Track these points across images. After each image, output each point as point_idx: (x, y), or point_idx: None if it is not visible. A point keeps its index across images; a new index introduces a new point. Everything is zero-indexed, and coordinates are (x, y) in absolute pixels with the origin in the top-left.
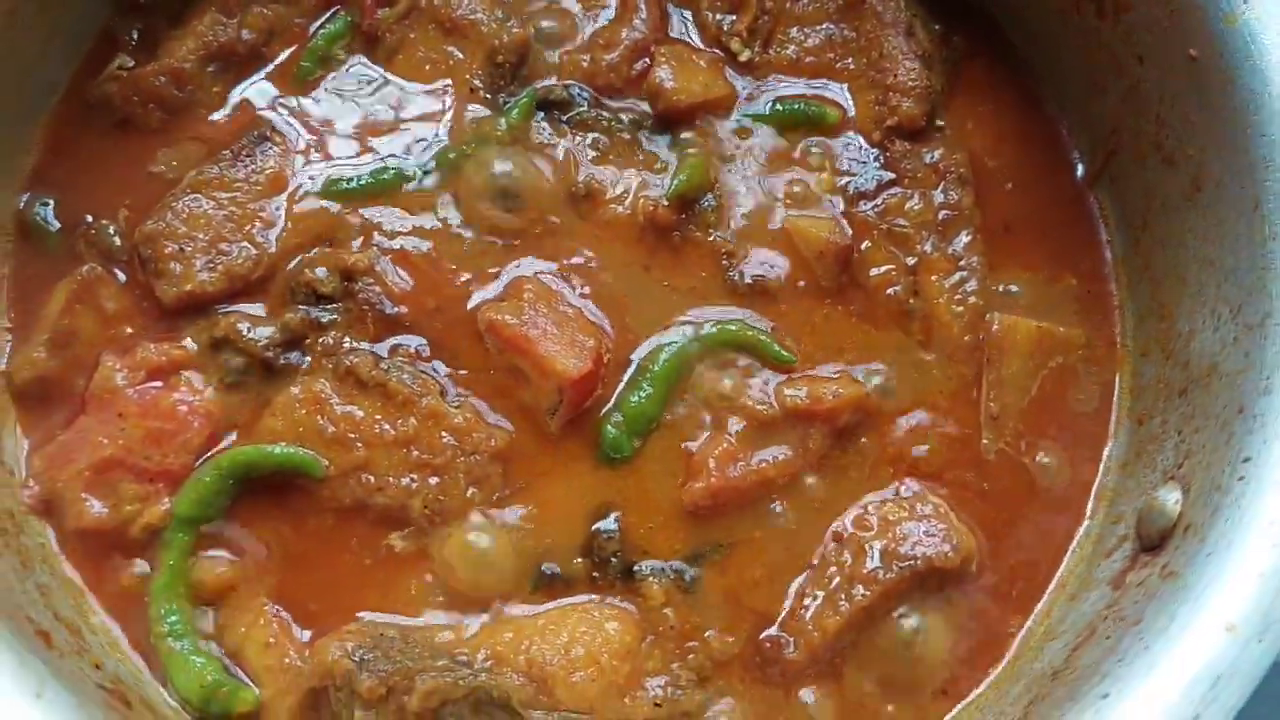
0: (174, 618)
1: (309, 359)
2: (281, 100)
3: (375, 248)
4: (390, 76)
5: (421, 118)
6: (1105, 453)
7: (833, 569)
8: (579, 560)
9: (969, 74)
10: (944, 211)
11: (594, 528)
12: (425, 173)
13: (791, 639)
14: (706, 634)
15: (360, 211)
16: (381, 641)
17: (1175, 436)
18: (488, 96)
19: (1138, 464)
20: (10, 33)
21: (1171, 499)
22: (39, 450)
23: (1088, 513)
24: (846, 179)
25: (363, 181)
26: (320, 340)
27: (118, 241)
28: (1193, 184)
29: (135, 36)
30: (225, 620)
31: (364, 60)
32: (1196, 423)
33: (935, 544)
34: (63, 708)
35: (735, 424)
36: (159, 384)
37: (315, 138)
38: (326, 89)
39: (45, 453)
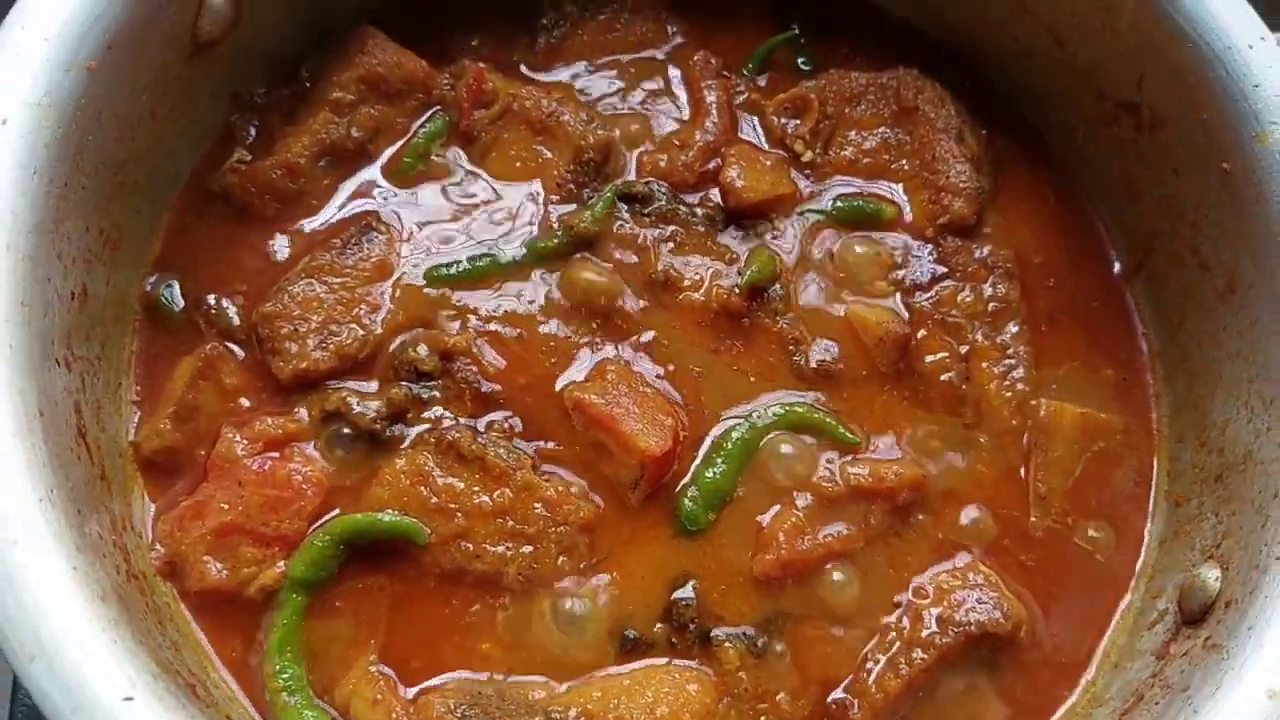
0: (288, 674)
1: (412, 432)
2: (386, 193)
3: (472, 330)
4: (484, 172)
5: (513, 210)
6: (1145, 531)
7: (893, 635)
8: (659, 626)
9: (1013, 176)
10: (993, 304)
11: (673, 596)
12: (517, 261)
13: (856, 700)
14: (778, 697)
15: (458, 296)
16: (480, 699)
17: (1212, 518)
18: (573, 190)
19: (1176, 542)
20: (150, 131)
21: (1212, 576)
22: (164, 515)
23: (1130, 587)
24: (902, 272)
25: (460, 269)
26: (422, 415)
27: (236, 321)
28: (1227, 286)
29: (253, 133)
30: (335, 677)
31: (461, 157)
32: (1233, 506)
33: (988, 611)
34: None
35: (802, 500)
36: (276, 454)
37: (417, 228)
38: (427, 183)
39: (170, 517)
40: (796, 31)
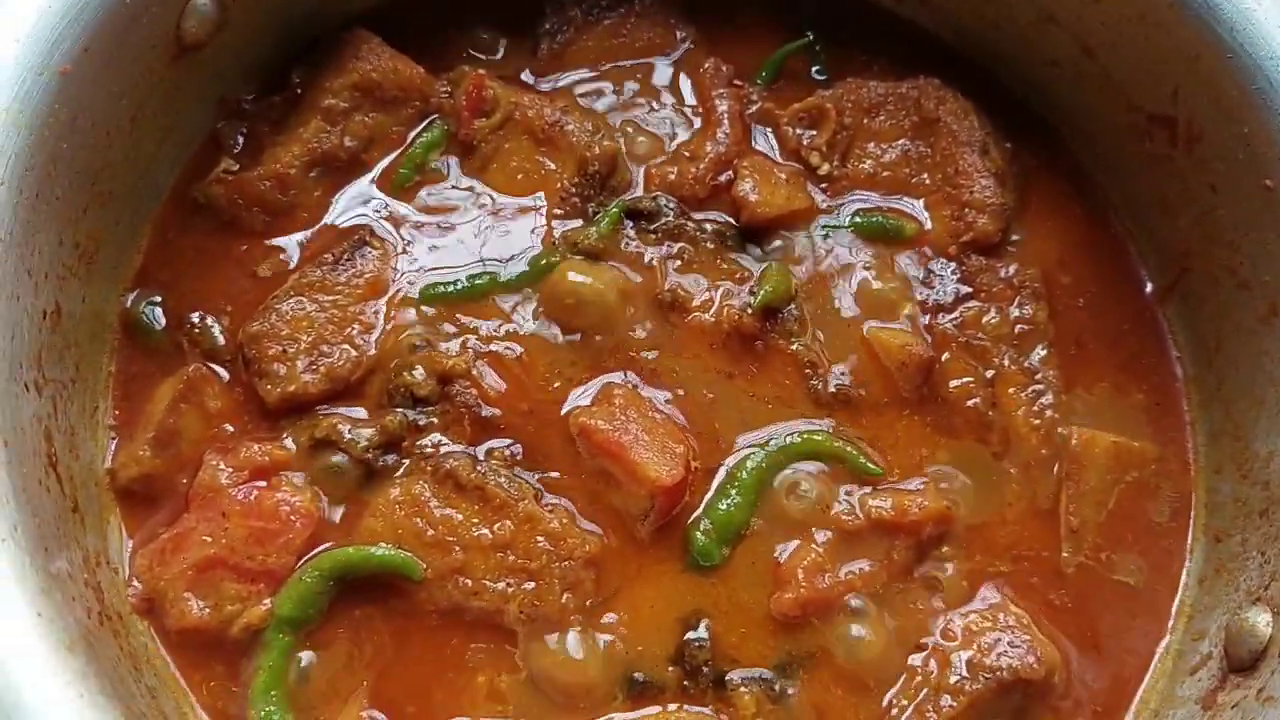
0: (275, 719)
1: (407, 461)
2: (381, 206)
3: (471, 351)
4: (484, 184)
5: (514, 225)
6: (1184, 569)
7: (919, 679)
8: (671, 668)
9: (1039, 191)
10: (1019, 325)
11: (686, 637)
12: (518, 279)
13: None
14: None
15: (457, 315)
16: None
17: (1258, 556)
18: (578, 205)
19: (1218, 581)
20: (131, 138)
21: (1262, 621)
22: (142, 549)
23: (1169, 628)
24: (925, 292)
25: (459, 286)
26: (418, 442)
27: (221, 341)
28: (1270, 309)
29: (240, 141)
30: None
31: (460, 168)
32: None
33: (1020, 655)
34: None
35: (822, 534)
36: (262, 484)
37: (413, 243)
38: (424, 195)
39: (148, 551)
40: (811, 38)
